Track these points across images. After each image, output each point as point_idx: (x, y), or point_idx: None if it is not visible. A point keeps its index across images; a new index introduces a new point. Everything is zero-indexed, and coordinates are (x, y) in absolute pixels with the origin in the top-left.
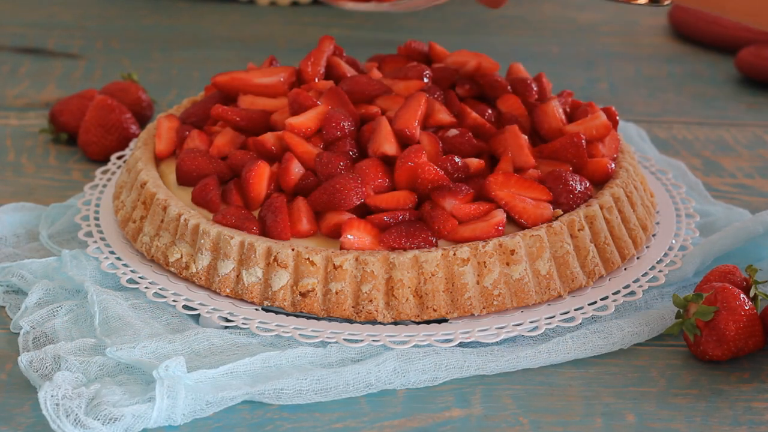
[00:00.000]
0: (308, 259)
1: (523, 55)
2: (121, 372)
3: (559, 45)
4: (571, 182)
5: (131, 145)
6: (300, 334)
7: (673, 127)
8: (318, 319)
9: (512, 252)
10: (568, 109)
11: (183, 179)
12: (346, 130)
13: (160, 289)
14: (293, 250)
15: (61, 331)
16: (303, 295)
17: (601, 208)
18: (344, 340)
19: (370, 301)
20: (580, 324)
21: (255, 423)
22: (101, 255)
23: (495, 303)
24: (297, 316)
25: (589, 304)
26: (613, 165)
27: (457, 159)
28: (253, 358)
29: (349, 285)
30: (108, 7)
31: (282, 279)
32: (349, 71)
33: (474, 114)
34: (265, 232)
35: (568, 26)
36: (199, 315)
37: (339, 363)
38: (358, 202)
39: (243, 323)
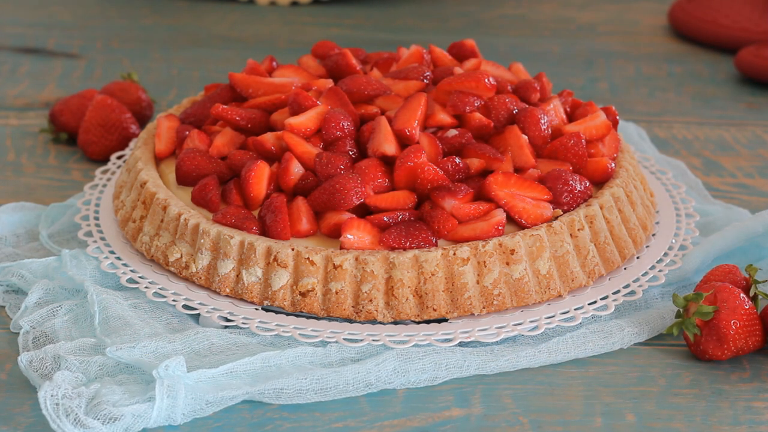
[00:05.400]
0: (308, 258)
1: (523, 55)
2: (121, 371)
3: (559, 45)
4: (571, 182)
5: (131, 144)
6: (300, 334)
7: (673, 127)
8: (318, 318)
9: (512, 252)
10: (568, 109)
11: (183, 179)
12: (346, 130)
13: (159, 288)
14: (293, 249)
15: (60, 331)
16: (303, 294)
17: (601, 208)
18: (344, 339)
19: (370, 300)
20: (580, 323)
21: (255, 423)
22: (101, 255)
23: (495, 303)
24: (297, 315)
25: (589, 304)
26: (613, 165)
27: (457, 159)
28: (252, 357)
29: (348, 285)
30: (108, 7)
31: (282, 279)
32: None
33: (476, 114)
34: (264, 232)
35: (568, 26)
36: (198, 315)
37: (339, 362)
38: (358, 202)
39: (243, 323)
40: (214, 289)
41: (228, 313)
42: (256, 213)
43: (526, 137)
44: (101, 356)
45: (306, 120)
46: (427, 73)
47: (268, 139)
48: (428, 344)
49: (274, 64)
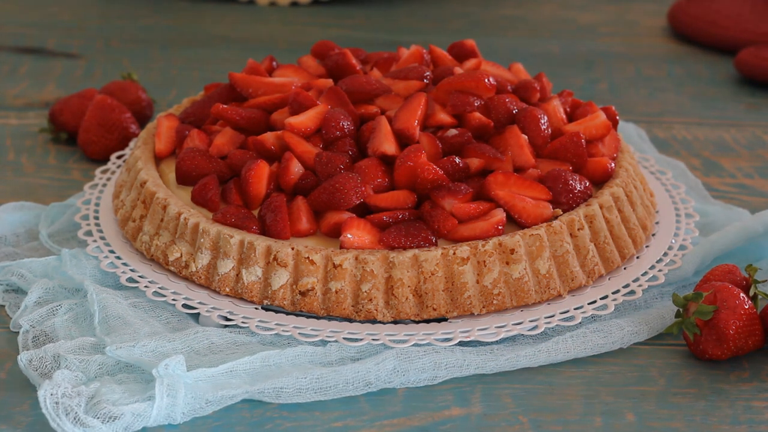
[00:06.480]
0: (308, 258)
1: (523, 55)
2: (121, 371)
3: (559, 45)
4: (571, 182)
5: (131, 144)
6: (299, 333)
7: (673, 127)
8: (318, 318)
9: (512, 251)
10: (568, 109)
11: (182, 178)
12: (346, 130)
13: (159, 288)
14: (293, 249)
15: (60, 330)
16: (303, 294)
17: (601, 208)
18: (344, 339)
19: (370, 300)
20: (580, 323)
21: (255, 422)
22: (101, 254)
23: (495, 302)
24: (297, 315)
25: (588, 304)
26: (612, 164)
27: (457, 159)
28: (252, 356)
29: (348, 284)
30: (108, 7)
31: (282, 278)
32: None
33: (476, 114)
34: (264, 231)
35: (568, 26)
36: (198, 314)
37: (338, 362)
38: (358, 202)
39: (242, 322)
40: (213, 288)
41: (228, 312)
42: (256, 212)
43: (526, 137)
44: (101, 355)
45: (306, 119)
46: (427, 73)
47: (268, 138)
48: (428, 343)
49: (274, 64)
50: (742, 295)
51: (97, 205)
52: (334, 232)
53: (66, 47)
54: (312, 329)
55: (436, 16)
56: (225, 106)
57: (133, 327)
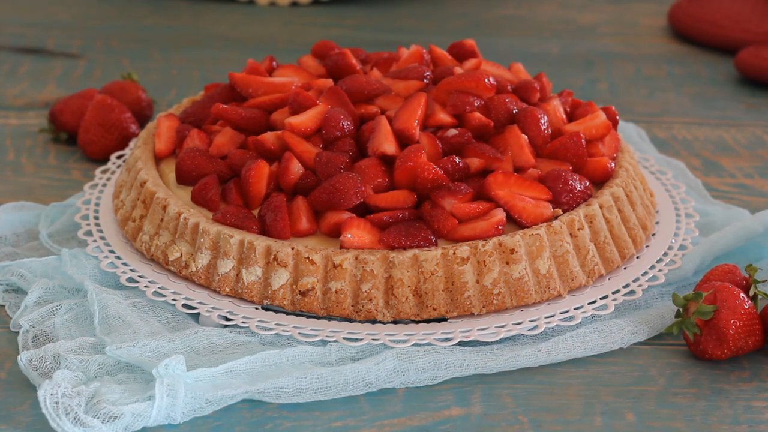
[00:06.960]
0: (308, 258)
1: (523, 55)
2: (121, 370)
3: (559, 45)
4: (571, 181)
5: (131, 144)
6: (299, 333)
7: (673, 127)
8: (317, 318)
9: (512, 251)
10: (568, 109)
11: (182, 178)
12: (346, 130)
13: (159, 287)
14: (293, 249)
15: (60, 330)
16: (303, 293)
17: (601, 208)
18: (344, 338)
19: (370, 300)
20: (580, 323)
21: (255, 422)
22: (101, 254)
23: (495, 302)
24: (297, 314)
25: (588, 303)
26: (612, 164)
27: (457, 159)
28: (252, 356)
29: (348, 284)
30: (108, 7)
31: (281, 278)
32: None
33: (476, 114)
34: (264, 231)
35: (568, 26)
36: (198, 314)
37: (338, 362)
38: (358, 202)
39: (242, 322)
40: (213, 288)
41: (228, 312)
42: (256, 212)
43: (526, 137)
44: (101, 355)
45: (306, 119)
46: (427, 73)
47: (268, 138)
48: (428, 343)
49: (274, 63)
50: (742, 295)
51: (97, 205)
52: (334, 232)
53: (66, 47)
54: (312, 329)
55: (436, 16)
56: (225, 106)
57: (133, 327)
